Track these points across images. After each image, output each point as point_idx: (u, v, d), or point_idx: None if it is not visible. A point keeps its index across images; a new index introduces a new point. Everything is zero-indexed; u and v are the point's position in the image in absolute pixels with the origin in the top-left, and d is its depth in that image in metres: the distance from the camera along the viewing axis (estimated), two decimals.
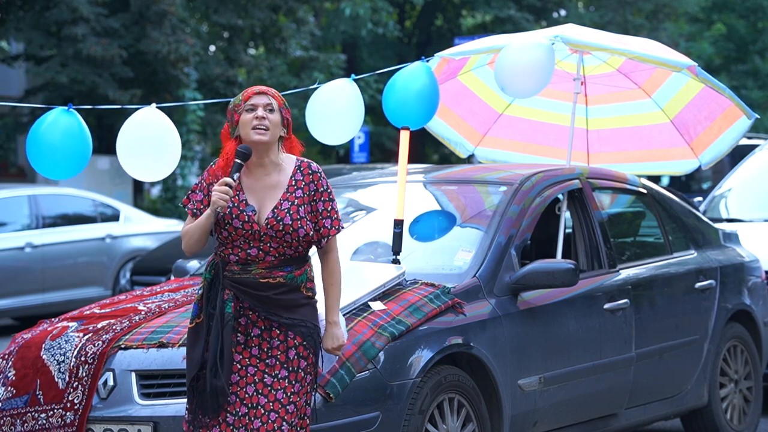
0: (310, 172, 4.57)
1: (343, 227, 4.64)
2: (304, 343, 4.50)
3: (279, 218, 4.46)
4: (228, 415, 4.43)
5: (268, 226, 4.46)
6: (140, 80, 20.71)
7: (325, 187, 4.58)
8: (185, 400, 4.63)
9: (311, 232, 4.52)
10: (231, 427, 4.43)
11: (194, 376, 4.46)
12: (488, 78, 7.53)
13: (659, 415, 6.88)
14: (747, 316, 7.47)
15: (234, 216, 4.45)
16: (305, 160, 4.61)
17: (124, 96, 19.26)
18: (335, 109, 6.35)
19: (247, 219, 4.45)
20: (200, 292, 4.52)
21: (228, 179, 4.40)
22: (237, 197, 4.49)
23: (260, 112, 4.48)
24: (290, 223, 4.47)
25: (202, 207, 4.52)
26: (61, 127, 5.56)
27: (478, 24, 31.09)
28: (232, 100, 4.61)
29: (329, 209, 4.57)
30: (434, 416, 5.34)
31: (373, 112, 24.70)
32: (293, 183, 4.54)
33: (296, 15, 23.15)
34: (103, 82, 19.50)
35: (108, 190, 20.15)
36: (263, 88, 4.56)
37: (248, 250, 4.47)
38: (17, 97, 22.70)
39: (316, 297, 4.61)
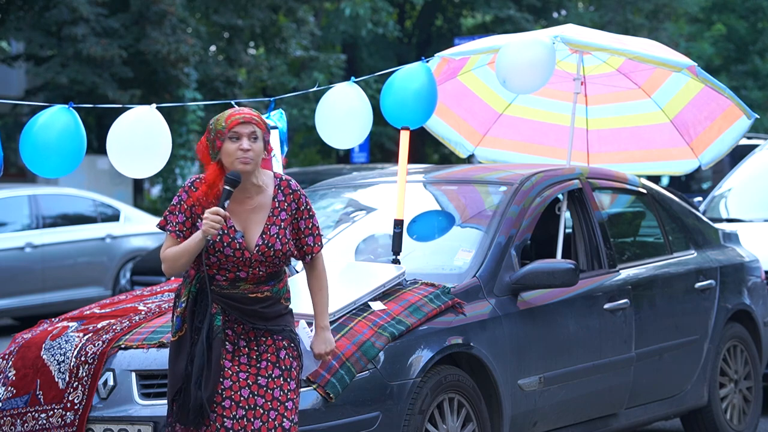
0: (290, 191, 4.56)
1: (323, 244, 4.66)
2: (292, 345, 4.54)
3: (270, 244, 4.46)
4: (225, 419, 4.43)
5: (259, 253, 4.45)
6: (140, 80, 20.72)
7: (305, 205, 4.58)
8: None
9: (295, 252, 4.56)
10: (230, 431, 4.43)
11: (178, 389, 4.46)
12: (488, 78, 7.53)
13: (659, 415, 6.88)
14: (747, 316, 7.47)
15: (225, 244, 4.43)
16: (284, 177, 4.59)
17: (124, 96, 19.27)
18: (345, 114, 6.36)
19: (238, 246, 4.44)
20: (183, 305, 4.49)
21: (219, 209, 4.35)
22: (225, 224, 4.44)
23: (245, 144, 4.41)
24: (280, 248, 4.48)
25: (184, 229, 4.46)
26: (56, 125, 5.55)
27: (478, 24, 31.09)
28: (213, 121, 4.49)
29: (311, 226, 4.59)
30: (434, 416, 5.34)
31: (373, 112, 24.69)
32: (276, 204, 4.52)
33: (296, 15, 23.16)
34: (103, 83, 19.51)
35: (108, 190, 20.17)
36: (247, 115, 4.45)
37: (237, 273, 4.47)
38: (17, 97, 22.70)
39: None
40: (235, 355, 4.47)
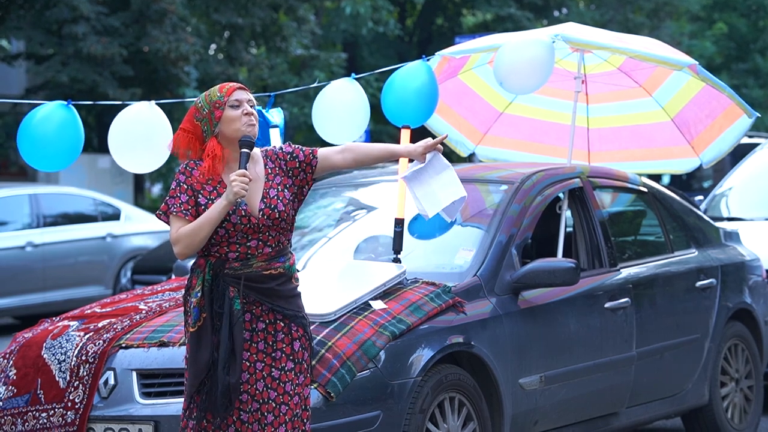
0: (276, 156, 4.64)
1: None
2: (305, 334, 4.54)
3: (272, 206, 4.51)
4: (242, 413, 4.46)
5: (264, 216, 4.50)
6: (140, 79, 20.71)
7: (284, 150, 4.64)
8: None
9: (295, 208, 4.60)
10: (246, 424, 4.46)
11: (202, 380, 4.47)
12: (489, 76, 7.52)
13: (660, 414, 6.87)
14: (748, 314, 7.47)
15: (231, 212, 4.47)
16: (268, 148, 4.69)
17: (124, 95, 19.26)
18: (342, 109, 6.35)
19: (243, 213, 4.48)
20: (199, 295, 4.50)
21: (243, 170, 4.43)
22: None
23: (247, 107, 4.57)
24: (283, 208, 4.53)
25: (189, 208, 4.49)
26: (54, 119, 5.57)
27: (478, 23, 31.06)
28: (202, 96, 4.61)
29: (296, 150, 4.64)
30: (435, 415, 5.33)
31: (374, 110, 24.72)
32: (269, 171, 4.59)
33: (297, 13, 23.14)
34: (104, 81, 19.50)
35: (109, 189, 20.16)
36: (240, 84, 4.64)
37: (248, 243, 4.50)
38: (18, 96, 22.69)
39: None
40: (253, 341, 4.48)
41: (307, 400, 4.55)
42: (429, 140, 4.81)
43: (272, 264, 4.51)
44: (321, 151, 4.67)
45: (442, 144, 4.86)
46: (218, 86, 4.63)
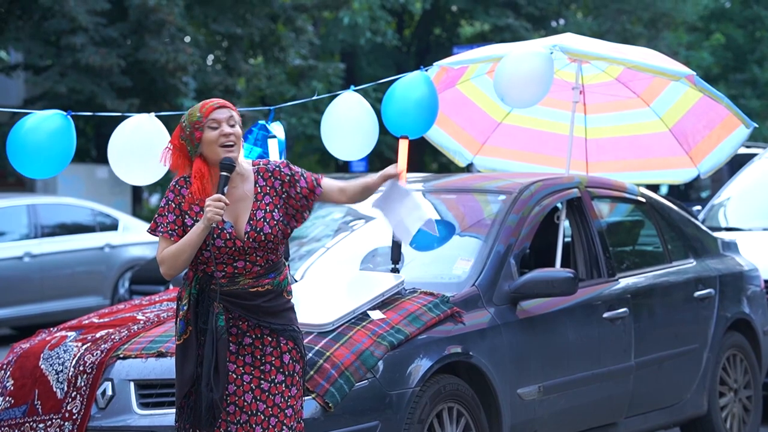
0: (269, 174, 4.56)
1: (320, 175, 4.64)
2: (296, 347, 4.52)
3: (258, 229, 4.46)
4: (230, 425, 4.44)
5: (250, 239, 4.45)
6: (138, 89, 20.71)
7: (282, 171, 4.54)
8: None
9: (288, 231, 4.54)
10: None
11: (187, 392, 4.46)
12: (487, 87, 7.53)
13: (659, 424, 6.87)
14: (746, 324, 7.47)
15: (215, 236, 4.43)
16: (261, 163, 4.59)
17: (122, 105, 19.26)
18: (353, 126, 6.33)
19: (228, 237, 4.44)
20: (185, 308, 4.48)
21: (219, 195, 4.37)
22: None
23: (226, 128, 4.45)
24: (270, 231, 4.47)
25: (176, 228, 4.46)
26: (46, 126, 5.56)
27: (476, 33, 31.11)
28: (184, 118, 4.52)
29: (297, 174, 4.54)
30: (433, 425, 5.33)
31: None
32: (259, 190, 4.53)
33: (295, 24, 23.15)
34: (102, 92, 19.50)
35: (107, 199, 20.16)
36: (221, 101, 4.52)
37: (234, 264, 4.46)
38: (16, 106, 22.70)
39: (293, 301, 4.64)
40: (239, 354, 4.46)
41: (300, 413, 4.53)
42: (388, 170, 4.74)
43: (260, 281, 4.48)
44: (325, 185, 4.59)
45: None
46: (200, 104, 4.52)
